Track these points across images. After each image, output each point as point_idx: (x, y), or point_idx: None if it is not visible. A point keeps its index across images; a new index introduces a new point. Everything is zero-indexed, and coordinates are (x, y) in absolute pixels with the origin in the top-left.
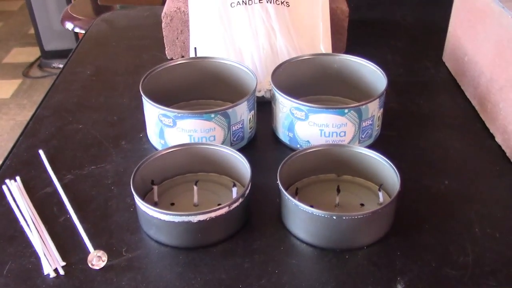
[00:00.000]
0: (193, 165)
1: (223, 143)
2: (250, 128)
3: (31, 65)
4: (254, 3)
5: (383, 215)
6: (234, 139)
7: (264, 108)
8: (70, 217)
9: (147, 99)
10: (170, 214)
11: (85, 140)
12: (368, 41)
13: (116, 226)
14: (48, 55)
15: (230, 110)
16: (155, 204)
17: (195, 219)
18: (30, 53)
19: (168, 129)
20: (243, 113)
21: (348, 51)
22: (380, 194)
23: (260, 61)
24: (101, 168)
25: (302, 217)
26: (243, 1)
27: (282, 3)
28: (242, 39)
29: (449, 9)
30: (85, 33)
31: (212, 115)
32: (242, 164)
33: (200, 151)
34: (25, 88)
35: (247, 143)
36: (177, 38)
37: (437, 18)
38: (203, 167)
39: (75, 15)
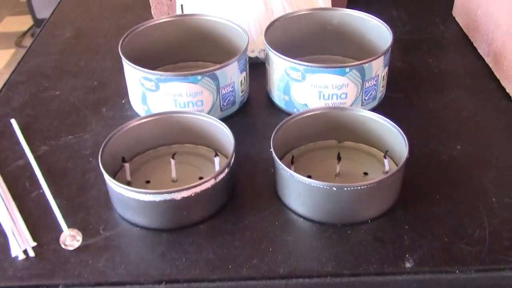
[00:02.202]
0: (166, 136)
1: (212, 108)
2: (242, 92)
3: (24, 34)
4: None
5: (389, 185)
6: (224, 104)
7: (258, 70)
8: (43, 192)
9: (127, 61)
10: (150, 193)
11: (62, 108)
12: None
13: (93, 201)
14: (41, 24)
15: (219, 71)
16: (128, 184)
17: (178, 196)
18: (23, 22)
19: (150, 93)
20: (233, 74)
21: (349, 6)
22: (386, 161)
23: (253, 18)
24: (79, 137)
25: (299, 189)
26: None
27: None
28: None
29: None
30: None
31: (199, 77)
32: (223, 132)
33: (173, 121)
34: (18, 58)
35: (239, 108)
36: None
37: None
38: (178, 138)
39: None
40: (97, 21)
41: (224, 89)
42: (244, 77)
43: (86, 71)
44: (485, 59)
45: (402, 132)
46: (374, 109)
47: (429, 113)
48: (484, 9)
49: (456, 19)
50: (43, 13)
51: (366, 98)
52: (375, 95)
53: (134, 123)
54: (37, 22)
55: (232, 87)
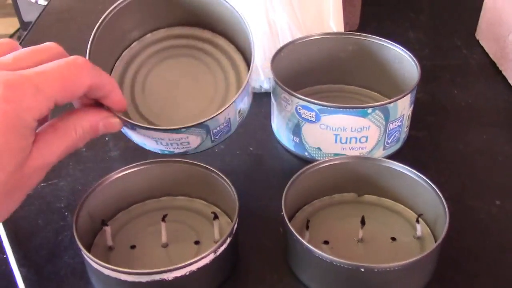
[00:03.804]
0: (155, 188)
1: (200, 144)
2: (239, 117)
3: (10, 37)
4: None
5: (427, 262)
6: (216, 137)
7: (262, 102)
8: (7, 258)
9: None
10: (135, 274)
11: None
12: (384, 15)
13: (67, 270)
14: (27, 27)
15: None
16: (109, 249)
17: (170, 276)
18: (9, 24)
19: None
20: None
21: (361, 27)
22: (418, 226)
23: (256, 42)
24: (53, 185)
25: (316, 265)
26: None
27: None
28: None
29: None
30: (46, 5)
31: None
32: (224, 187)
33: (164, 170)
34: None
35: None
36: None
37: None
38: (169, 190)
39: None
40: (79, 38)
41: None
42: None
43: None
44: None
45: (439, 192)
46: (397, 153)
47: (459, 157)
48: None
49: (481, 42)
50: (30, 16)
51: (389, 141)
52: (399, 137)
53: (116, 175)
54: (24, 25)
55: (227, 123)
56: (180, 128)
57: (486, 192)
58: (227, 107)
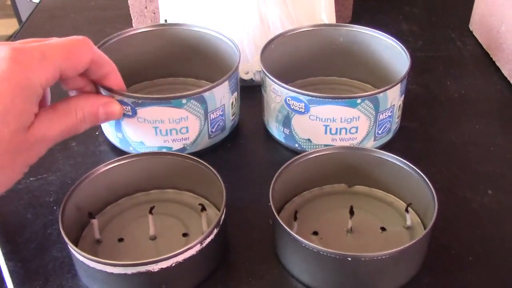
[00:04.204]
0: (143, 182)
1: (199, 135)
2: (232, 115)
3: (9, 38)
4: None
5: (416, 251)
6: (213, 130)
7: (253, 94)
8: None
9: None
10: (120, 265)
11: None
12: (378, 6)
13: (55, 264)
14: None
15: (207, 93)
16: (97, 242)
17: (155, 267)
18: (8, 25)
19: (126, 119)
20: (224, 96)
21: (354, 20)
22: (408, 215)
23: (247, 36)
24: (42, 180)
25: (305, 255)
26: None
27: None
28: (223, 8)
29: None
30: (38, 2)
31: (184, 101)
32: (212, 179)
33: (153, 163)
34: None
35: (229, 134)
36: (146, 7)
37: None
38: (157, 183)
39: None
40: (72, 35)
41: (213, 113)
42: (235, 99)
43: (54, 94)
44: (511, 81)
45: (427, 181)
46: (388, 144)
47: (452, 148)
48: (509, 25)
49: (474, 33)
50: None
51: (380, 132)
52: (390, 127)
53: (105, 167)
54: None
55: (221, 111)
56: (181, 97)
57: (478, 182)
58: (221, 81)
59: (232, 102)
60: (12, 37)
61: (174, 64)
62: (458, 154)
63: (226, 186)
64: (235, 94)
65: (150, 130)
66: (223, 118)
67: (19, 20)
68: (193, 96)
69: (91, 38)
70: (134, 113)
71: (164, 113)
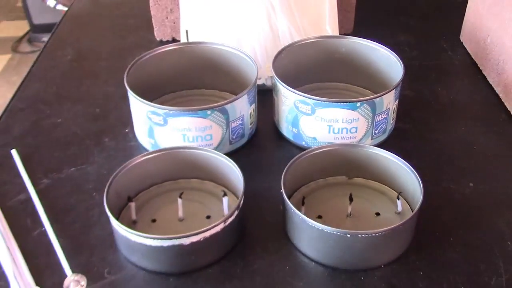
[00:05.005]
0: (172, 172)
1: (221, 142)
2: (250, 124)
3: (20, 39)
4: None
5: (404, 230)
6: (234, 137)
7: (265, 97)
8: (45, 230)
9: (134, 95)
10: (158, 239)
11: (63, 137)
12: (377, 19)
13: (97, 240)
14: (37, 29)
15: (229, 105)
16: (133, 223)
17: (187, 241)
18: (19, 27)
19: (158, 128)
20: (243, 108)
21: (356, 32)
22: (399, 202)
23: (259, 44)
24: (81, 170)
25: (310, 233)
26: None
27: None
28: (238, 19)
29: None
30: (67, 11)
31: (208, 112)
32: (231, 169)
33: (180, 156)
34: (14, 64)
35: (247, 140)
36: (167, 17)
37: None
38: (184, 174)
39: None
40: (98, 42)
41: (234, 123)
42: (253, 109)
43: (87, 96)
44: (495, 88)
45: (416, 174)
46: (384, 142)
47: (440, 147)
48: (494, 37)
49: (464, 44)
50: (39, 18)
51: (376, 131)
52: (385, 128)
53: (139, 159)
54: (33, 28)
55: (241, 120)
56: (207, 108)
57: (461, 176)
58: (241, 95)
59: (251, 112)
60: (22, 39)
61: (198, 77)
62: (444, 151)
63: (244, 182)
64: (253, 105)
65: (178, 137)
66: (243, 126)
67: (30, 22)
68: (217, 107)
69: (115, 44)
70: (166, 122)
71: (192, 122)
